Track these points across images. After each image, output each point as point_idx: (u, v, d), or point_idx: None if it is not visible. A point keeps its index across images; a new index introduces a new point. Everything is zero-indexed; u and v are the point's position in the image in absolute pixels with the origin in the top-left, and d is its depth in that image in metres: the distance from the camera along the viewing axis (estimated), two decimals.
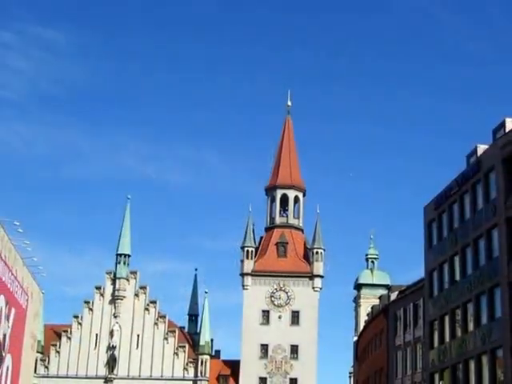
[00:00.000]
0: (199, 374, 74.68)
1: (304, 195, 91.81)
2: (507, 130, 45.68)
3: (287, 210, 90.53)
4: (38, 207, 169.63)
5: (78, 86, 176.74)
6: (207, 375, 75.22)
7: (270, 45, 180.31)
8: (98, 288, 77.82)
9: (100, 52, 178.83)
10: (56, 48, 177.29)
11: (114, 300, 76.76)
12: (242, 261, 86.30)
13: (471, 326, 47.78)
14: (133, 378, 74.50)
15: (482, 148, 49.32)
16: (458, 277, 50.54)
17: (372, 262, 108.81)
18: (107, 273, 78.15)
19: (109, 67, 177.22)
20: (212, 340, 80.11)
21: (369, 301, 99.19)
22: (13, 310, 45.06)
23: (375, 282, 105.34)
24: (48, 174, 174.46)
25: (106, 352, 75.45)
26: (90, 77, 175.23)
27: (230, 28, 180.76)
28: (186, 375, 75.08)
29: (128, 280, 77.32)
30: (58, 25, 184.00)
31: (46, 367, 75.51)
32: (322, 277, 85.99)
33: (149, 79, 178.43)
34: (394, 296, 67.26)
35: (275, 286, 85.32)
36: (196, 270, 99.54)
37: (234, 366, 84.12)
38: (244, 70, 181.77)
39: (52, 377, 75.19)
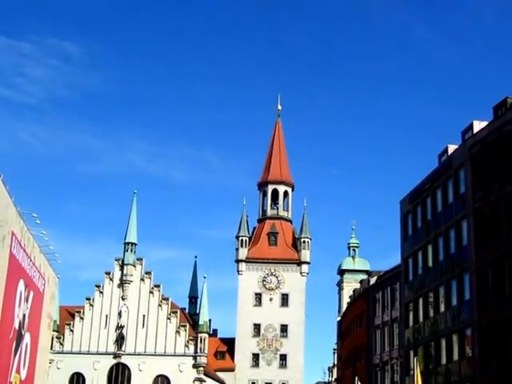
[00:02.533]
0: (198, 351, 74.50)
1: (293, 190, 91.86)
2: (475, 132, 45.78)
3: (277, 204, 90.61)
4: (55, 201, 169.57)
5: (90, 92, 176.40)
6: (206, 351, 75.11)
7: (264, 54, 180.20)
8: (108, 273, 77.59)
9: (110, 61, 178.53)
10: (70, 57, 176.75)
11: (122, 284, 76.56)
12: (237, 249, 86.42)
13: (442, 308, 47.91)
14: (139, 354, 74.33)
15: (452, 148, 49.42)
16: (430, 263, 50.65)
17: (353, 250, 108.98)
18: (116, 260, 77.91)
19: (118, 75, 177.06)
20: (210, 320, 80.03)
21: (350, 285, 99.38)
22: (31, 293, 45.01)
23: (356, 267, 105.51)
24: (64, 171, 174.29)
25: (115, 331, 75.27)
26: (100, 83, 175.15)
27: (228, 40, 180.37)
28: (186, 351, 74.91)
29: (135, 266, 77.11)
30: (72, 37, 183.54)
31: (61, 344, 75.27)
32: (308, 263, 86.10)
33: (154, 85, 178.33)
34: (373, 280, 67.38)
35: (267, 272, 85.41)
36: (196, 257, 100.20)
37: (229, 343, 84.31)
38: (240, 77, 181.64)
39: (66, 353, 75.01)
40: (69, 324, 76.53)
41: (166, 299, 77.01)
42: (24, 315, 43.66)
